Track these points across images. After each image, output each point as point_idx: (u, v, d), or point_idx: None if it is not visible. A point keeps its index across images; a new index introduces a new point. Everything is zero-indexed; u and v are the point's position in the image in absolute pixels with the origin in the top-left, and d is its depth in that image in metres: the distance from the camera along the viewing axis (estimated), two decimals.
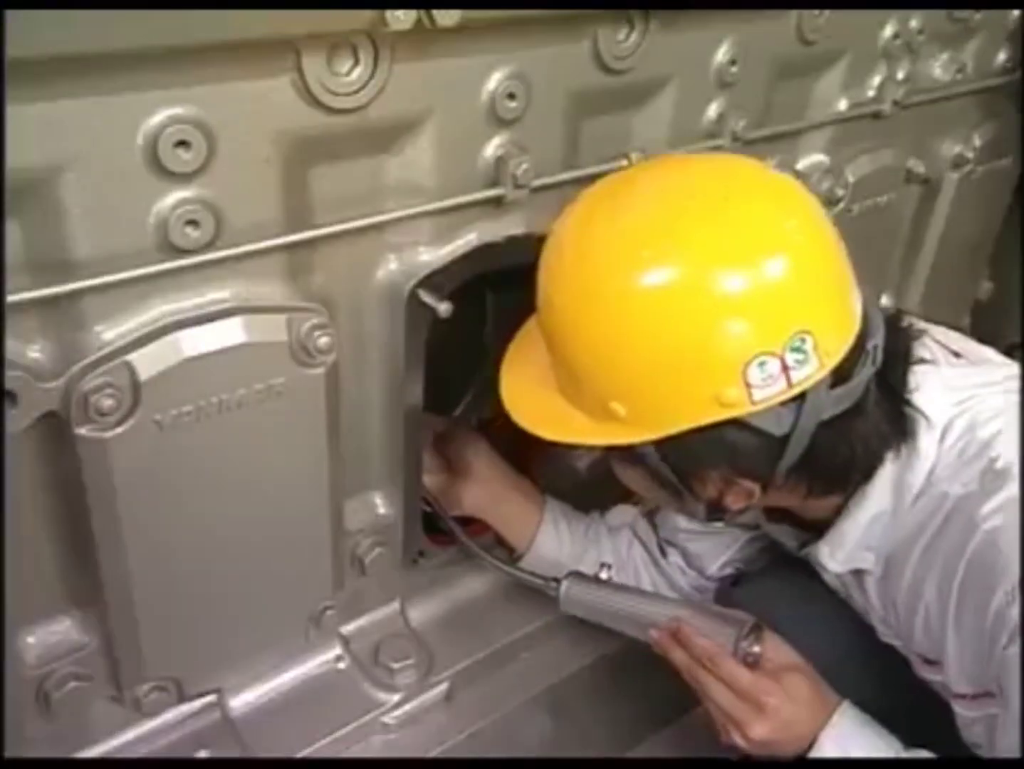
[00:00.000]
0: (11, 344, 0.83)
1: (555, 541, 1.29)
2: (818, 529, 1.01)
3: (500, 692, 1.31)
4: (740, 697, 0.98)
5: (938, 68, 1.50)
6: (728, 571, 1.28)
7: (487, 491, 1.27)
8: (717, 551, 1.26)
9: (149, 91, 0.79)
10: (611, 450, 0.92)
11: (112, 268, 0.82)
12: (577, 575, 1.17)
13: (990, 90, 1.56)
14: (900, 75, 1.43)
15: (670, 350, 0.81)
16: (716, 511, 0.95)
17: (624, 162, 1.13)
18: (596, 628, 1.41)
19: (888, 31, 1.37)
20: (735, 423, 0.83)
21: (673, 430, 0.84)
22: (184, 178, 0.83)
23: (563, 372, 0.91)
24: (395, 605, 1.31)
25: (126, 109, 0.78)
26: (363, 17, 0.81)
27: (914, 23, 1.39)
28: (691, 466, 0.90)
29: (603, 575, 1.17)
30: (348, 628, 1.26)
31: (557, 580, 1.17)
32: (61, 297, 0.81)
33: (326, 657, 1.25)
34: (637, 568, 1.31)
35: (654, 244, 0.82)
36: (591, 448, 0.92)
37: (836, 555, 1.00)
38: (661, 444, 0.86)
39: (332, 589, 1.16)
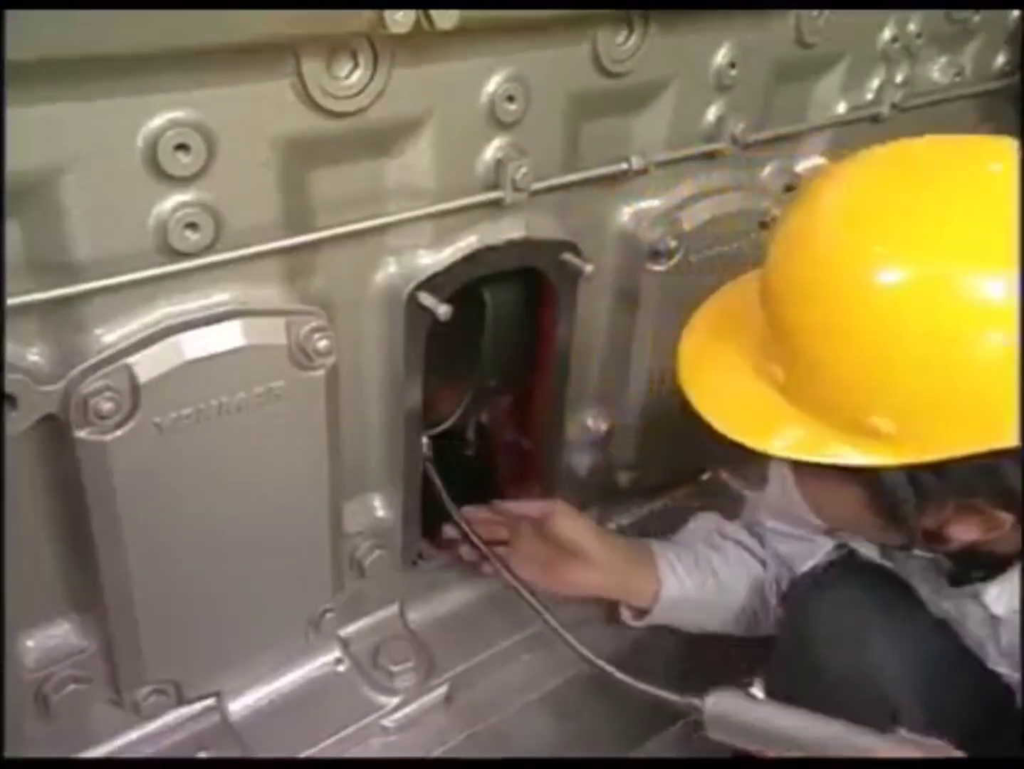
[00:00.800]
0: (11, 347, 0.83)
1: (677, 585, 1.22)
2: (977, 563, 0.94)
3: (500, 695, 1.31)
4: None
5: (937, 71, 1.50)
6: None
7: (606, 570, 1.21)
8: (804, 555, 1.21)
9: (149, 94, 0.79)
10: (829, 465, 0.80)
11: (112, 271, 0.82)
12: (723, 691, 0.98)
13: (989, 93, 1.56)
14: (899, 78, 1.43)
15: (968, 362, 0.71)
16: (935, 540, 0.85)
17: (624, 165, 1.13)
18: (597, 630, 1.41)
19: (887, 34, 1.37)
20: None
21: (954, 454, 0.73)
22: (184, 181, 0.83)
23: (799, 371, 0.79)
24: (394, 607, 1.30)
25: (126, 112, 0.79)
26: (362, 20, 0.81)
27: (912, 26, 1.39)
28: (942, 493, 0.79)
29: (756, 692, 0.98)
30: (347, 630, 1.26)
31: (700, 698, 0.98)
32: (61, 300, 0.81)
33: (325, 660, 1.24)
34: (751, 574, 1.25)
35: (901, 238, 0.74)
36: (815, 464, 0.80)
37: (1002, 597, 0.92)
38: (916, 467, 0.76)
39: (331, 591, 1.15)
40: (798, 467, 0.87)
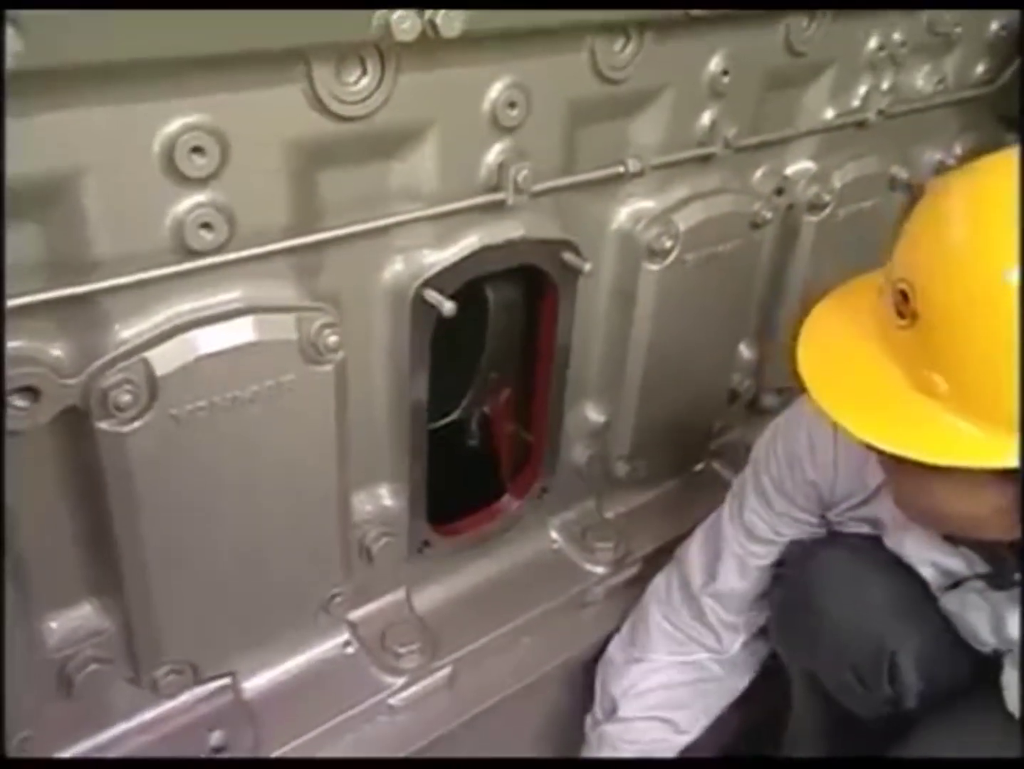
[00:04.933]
0: (34, 342, 0.82)
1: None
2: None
3: (502, 676, 1.30)
4: None
5: (920, 79, 1.49)
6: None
7: None
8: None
9: (166, 100, 0.78)
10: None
11: (130, 269, 0.82)
12: None
13: (968, 101, 1.55)
14: (884, 86, 1.42)
15: None
16: None
17: (621, 168, 1.12)
18: (594, 614, 1.41)
19: (872, 43, 1.37)
20: None
21: None
22: (199, 183, 0.83)
23: (964, 376, 0.75)
24: (401, 593, 1.30)
25: (144, 117, 0.78)
26: (370, 28, 0.80)
27: (897, 36, 1.38)
28: None
29: None
30: (356, 614, 1.26)
31: None
32: (81, 297, 0.81)
33: (335, 642, 1.24)
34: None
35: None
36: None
37: None
38: None
39: (341, 577, 1.15)
40: (925, 475, 0.80)
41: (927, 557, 1.03)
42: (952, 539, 0.98)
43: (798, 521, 1.16)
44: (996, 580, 0.97)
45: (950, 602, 1.03)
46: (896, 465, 0.82)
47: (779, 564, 1.20)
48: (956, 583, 1.01)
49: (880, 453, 0.83)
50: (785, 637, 1.20)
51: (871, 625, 1.05)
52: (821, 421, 1.03)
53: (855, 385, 0.82)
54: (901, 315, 0.78)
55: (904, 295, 0.78)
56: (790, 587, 1.16)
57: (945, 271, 0.76)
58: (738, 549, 1.20)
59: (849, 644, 1.06)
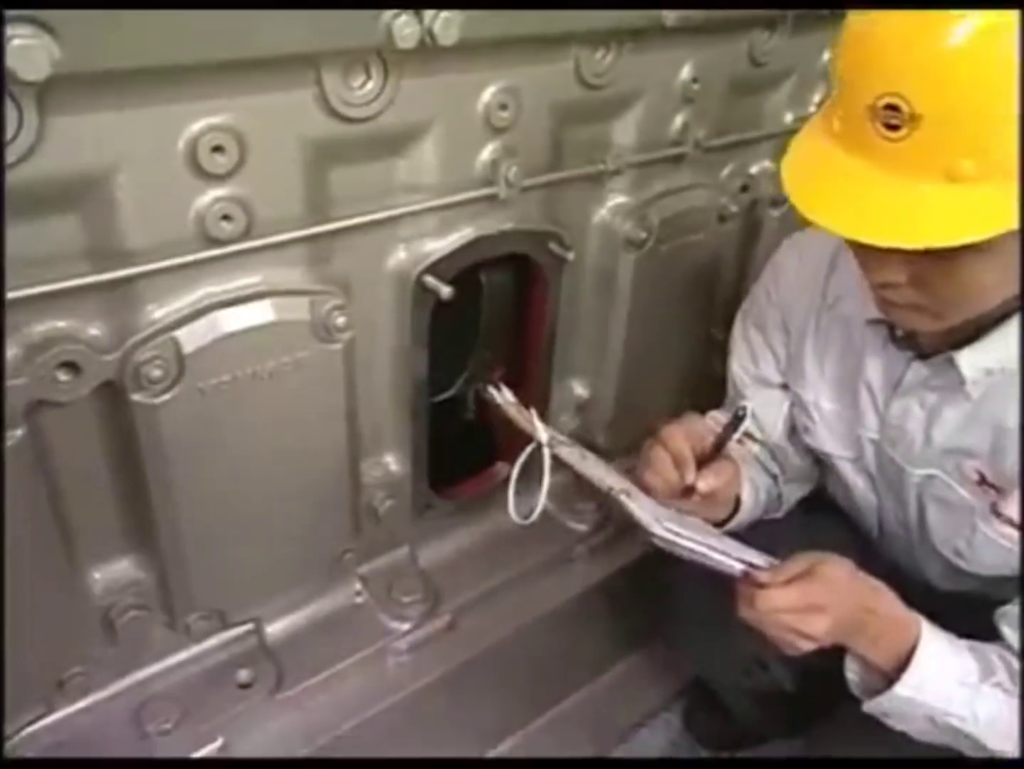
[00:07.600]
0: (74, 322, 0.83)
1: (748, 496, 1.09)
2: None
3: (496, 622, 1.31)
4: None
5: None
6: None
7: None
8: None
9: (190, 102, 0.78)
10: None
11: (159, 256, 0.82)
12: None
13: None
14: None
15: None
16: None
17: (601, 166, 1.13)
18: (578, 568, 1.42)
19: (826, 56, 1.36)
20: None
21: None
22: (219, 179, 0.83)
23: (987, 140, 0.69)
24: (405, 549, 1.31)
25: (170, 118, 0.78)
26: (374, 36, 0.80)
27: None
28: None
29: None
30: (365, 568, 1.26)
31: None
32: (116, 281, 0.81)
33: (347, 592, 1.25)
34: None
35: None
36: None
37: (974, 359, 0.87)
38: None
39: (351, 535, 1.16)
40: (965, 257, 0.74)
41: (881, 356, 0.99)
42: (896, 341, 0.97)
43: (774, 354, 1.12)
44: (922, 356, 0.95)
45: (894, 413, 0.99)
46: (935, 260, 0.75)
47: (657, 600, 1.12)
48: (897, 384, 0.98)
49: (914, 255, 0.75)
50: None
51: (734, 654, 1.02)
52: (786, 255, 1.09)
53: (880, 210, 0.75)
54: (895, 128, 0.73)
55: (893, 108, 0.72)
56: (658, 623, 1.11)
57: (936, 65, 0.69)
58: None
59: (720, 672, 1.04)
